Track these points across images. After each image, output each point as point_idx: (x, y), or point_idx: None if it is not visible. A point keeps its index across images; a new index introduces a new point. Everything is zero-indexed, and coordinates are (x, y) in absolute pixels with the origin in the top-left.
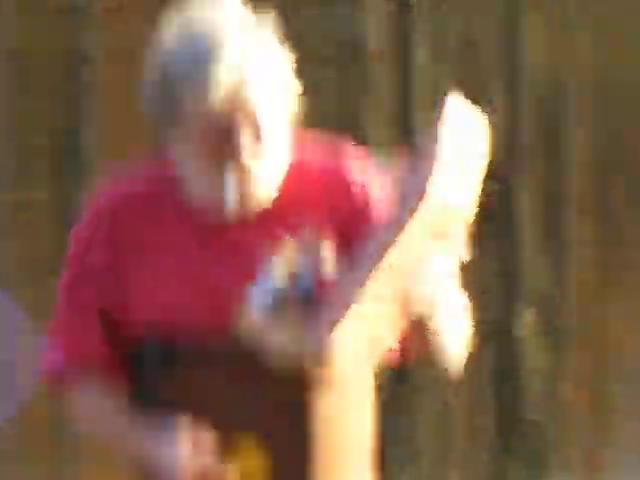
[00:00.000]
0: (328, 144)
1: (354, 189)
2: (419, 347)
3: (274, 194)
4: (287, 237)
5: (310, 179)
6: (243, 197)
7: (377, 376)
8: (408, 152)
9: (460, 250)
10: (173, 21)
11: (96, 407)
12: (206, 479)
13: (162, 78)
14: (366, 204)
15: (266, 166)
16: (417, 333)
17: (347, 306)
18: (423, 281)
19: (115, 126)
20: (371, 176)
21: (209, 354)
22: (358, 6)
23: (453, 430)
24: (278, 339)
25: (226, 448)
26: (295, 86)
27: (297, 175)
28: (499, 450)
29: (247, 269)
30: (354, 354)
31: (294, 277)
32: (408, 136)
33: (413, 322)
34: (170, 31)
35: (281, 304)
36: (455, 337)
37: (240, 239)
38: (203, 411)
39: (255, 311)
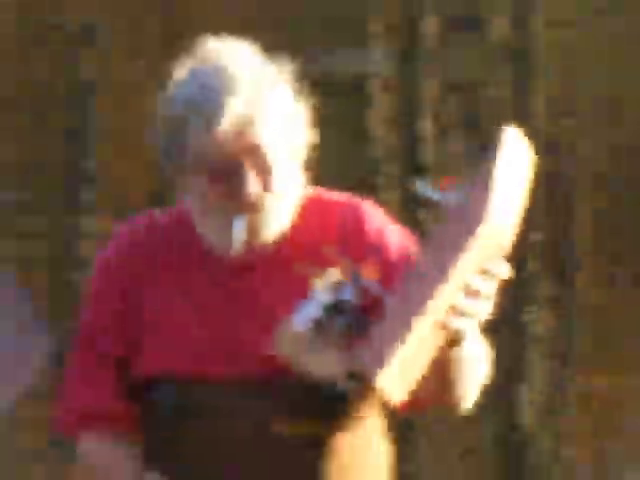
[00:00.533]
0: (344, 194)
1: (367, 227)
2: (436, 394)
3: (285, 231)
4: (317, 271)
5: (323, 219)
6: (251, 237)
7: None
8: (454, 180)
9: (502, 273)
10: (185, 64)
11: (105, 461)
12: None
13: (169, 127)
14: (380, 244)
15: (273, 206)
16: (441, 370)
17: (400, 335)
18: (463, 315)
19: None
20: (385, 220)
21: (223, 405)
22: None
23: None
24: (320, 361)
25: None
26: (304, 124)
27: (311, 211)
28: None
29: (262, 312)
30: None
31: (336, 303)
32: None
33: (443, 353)
34: (181, 73)
35: (324, 329)
36: (474, 378)
37: (252, 279)
38: (215, 463)
39: (298, 334)
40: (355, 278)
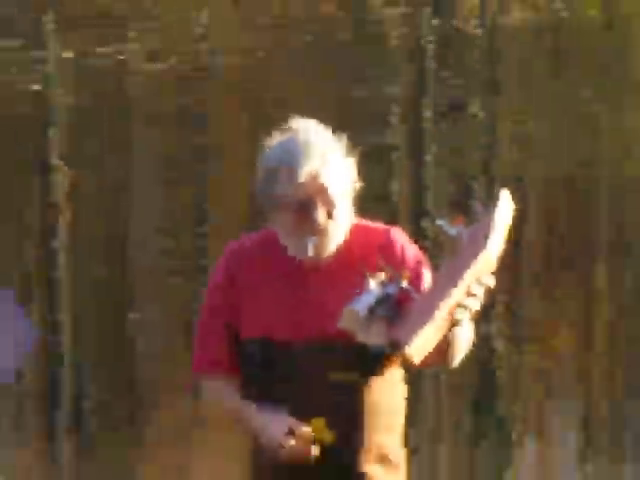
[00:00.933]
0: (379, 227)
1: (396, 248)
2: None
3: (340, 248)
4: (365, 274)
5: (366, 238)
6: (318, 252)
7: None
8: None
9: (489, 284)
10: (274, 141)
11: (221, 393)
12: (293, 453)
13: (263, 171)
14: (405, 258)
15: (334, 229)
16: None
17: (425, 320)
18: (464, 309)
19: None
20: (407, 242)
21: (294, 358)
22: None
23: None
24: (370, 334)
25: (306, 423)
26: (352, 177)
27: (357, 233)
28: None
29: (321, 300)
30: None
31: (384, 296)
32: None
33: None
34: (271, 146)
35: (375, 312)
36: (463, 346)
37: (316, 279)
38: (289, 399)
39: (358, 315)
40: (396, 280)
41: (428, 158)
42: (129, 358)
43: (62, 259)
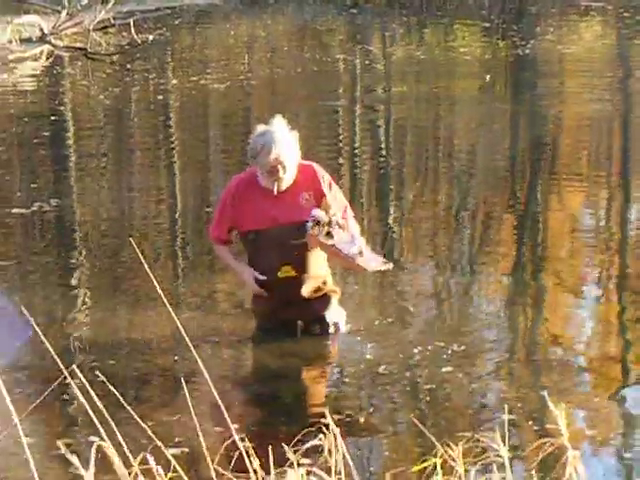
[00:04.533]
0: (309, 164)
1: (320, 180)
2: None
3: (293, 180)
4: (307, 197)
5: (303, 172)
6: (279, 187)
7: None
8: None
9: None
10: (259, 129)
11: (222, 252)
12: (255, 289)
13: (253, 145)
14: (324, 188)
15: (287, 176)
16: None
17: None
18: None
19: None
20: (325, 176)
21: (272, 235)
22: None
23: None
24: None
25: (278, 269)
26: (297, 149)
27: (299, 174)
28: None
29: (286, 209)
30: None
31: (329, 214)
32: None
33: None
34: (258, 131)
35: (324, 225)
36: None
37: (281, 198)
38: (269, 255)
39: (311, 227)
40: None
41: None
42: None
43: None
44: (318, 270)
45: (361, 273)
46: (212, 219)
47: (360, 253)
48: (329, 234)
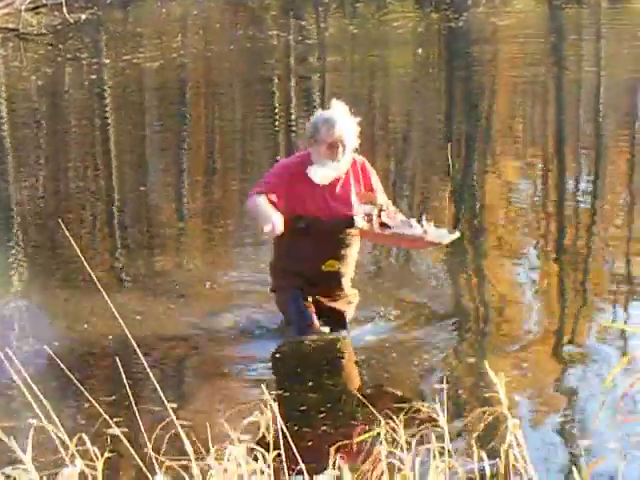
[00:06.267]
0: (360, 158)
1: (370, 174)
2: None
3: (346, 170)
4: (360, 189)
5: (355, 169)
6: (338, 171)
7: None
8: None
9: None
10: (317, 112)
11: (260, 200)
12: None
13: (314, 121)
14: (374, 182)
15: (344, 159)
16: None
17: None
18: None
19: None
20: (374, 172)
21: (325, 227)
22: None
23: None
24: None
25: (324, 261)
26: (356, 136)
27: (350, 167)
28: None
29: (340, 201)
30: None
31: (377, 204)
32: None
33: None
34: (318, 113)
35: (375, 217)
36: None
37: (333, 188)
38: (318, 246)
39: (363, 222)
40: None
41: None
42: None
43: None
44: (352, 269)
45: (434, 248)
46: (256, 184)
47: (424, 231)
48: (383, 225)
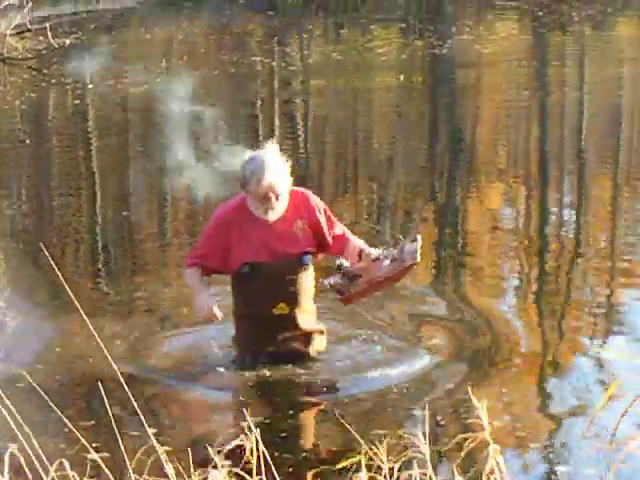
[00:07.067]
0: (301, 192)
1: (313, 207)
2: None
3: (285, 209)
4: (304, 225)
5: (294, 199)
6: (273, 214)
7: None
8: None
9: None
10: (249, 155)
11: (193, 274)
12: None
13: (243, 173)
14: (318, 215)
15: (280, 204)
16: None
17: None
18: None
19: None
20: (319, 204)
21: (269, 269)
22: None
23: None
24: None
25: (275, 305)
26: (288, 176)
27: (290, 201)
28: None
29: (282, 240)
30: None
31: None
32: None
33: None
34: (247, 158)
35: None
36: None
37: (274, 227)
38: (265, 290)
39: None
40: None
41: None
42: None
43: None
44: (309, 304)
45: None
46: (192, 248)
47: (393, 259)
48: (353, 279)
